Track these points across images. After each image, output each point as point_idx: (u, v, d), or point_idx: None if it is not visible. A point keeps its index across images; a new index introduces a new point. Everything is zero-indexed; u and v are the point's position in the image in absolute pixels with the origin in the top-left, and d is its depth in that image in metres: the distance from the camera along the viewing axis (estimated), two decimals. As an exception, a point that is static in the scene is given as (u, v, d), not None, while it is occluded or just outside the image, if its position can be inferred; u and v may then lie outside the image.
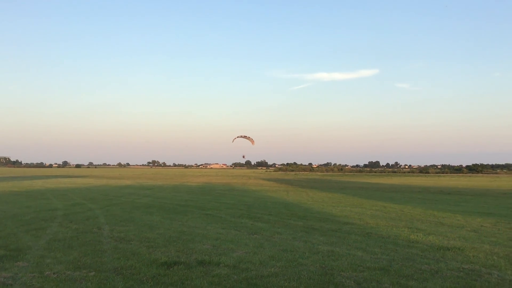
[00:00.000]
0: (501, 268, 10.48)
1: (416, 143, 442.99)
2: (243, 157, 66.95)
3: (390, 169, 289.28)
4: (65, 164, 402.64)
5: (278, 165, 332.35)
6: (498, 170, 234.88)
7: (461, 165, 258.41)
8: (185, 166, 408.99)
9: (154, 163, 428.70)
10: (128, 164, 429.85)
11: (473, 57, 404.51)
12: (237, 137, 48.92)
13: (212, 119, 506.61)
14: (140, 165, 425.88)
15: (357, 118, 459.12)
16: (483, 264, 10.92)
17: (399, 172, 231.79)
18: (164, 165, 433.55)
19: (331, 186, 65.03)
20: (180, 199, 33.64)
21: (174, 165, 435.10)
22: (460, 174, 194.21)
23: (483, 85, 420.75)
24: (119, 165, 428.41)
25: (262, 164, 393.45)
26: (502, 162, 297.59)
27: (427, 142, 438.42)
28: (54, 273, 9.74)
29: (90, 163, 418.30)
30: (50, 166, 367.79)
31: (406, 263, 10.87)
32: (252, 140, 48.92)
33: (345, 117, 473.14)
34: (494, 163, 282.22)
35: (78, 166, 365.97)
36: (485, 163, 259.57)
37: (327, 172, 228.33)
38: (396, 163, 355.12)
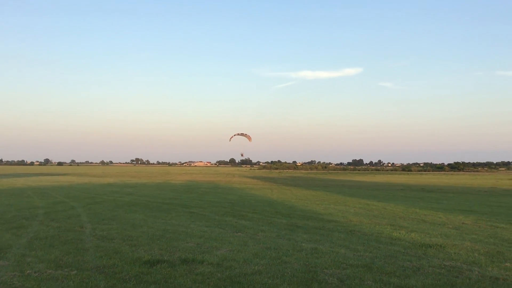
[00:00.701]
0: (482, 264, 10.64)
1: (399, 142, 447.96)
2: (242, 155, 63.92)
3: (373, 167, 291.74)
4: (46, 162, 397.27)
5: (263, 163, 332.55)
6: (479, 168, 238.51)
7: (443, 163, 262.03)
8: (169, 164, 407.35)
9: (137, 161, 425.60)
10: (111, 162, 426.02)
11: (456, 56, 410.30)
12: (235, 135, 48.12)
13: (196, 117, 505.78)
14: (123, 163, 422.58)
15: (341, 116, 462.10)
16: (464, 261, 11.07)
17: (382, 170, 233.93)
18: (148, 163, 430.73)
19: (315, 184, 65.31)
20: (163, 197, 33.48)
21: (158, 163, 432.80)
22: (442, 172, 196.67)
23: (465, 84, 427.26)
24: (102, 163, 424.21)
25: (246, 162, 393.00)
26: (483, 160, 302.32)
27: (409, 140, 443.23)
28: (35, 272, 9.62)
29: (73, 161, 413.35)
30: (32, 164, 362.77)
31: (389, 260, 10.97)
32: (249, 137, 48.08)
33: (329, 115, 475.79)
34: (475, 161, 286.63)
35: (60, 164, 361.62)
36: (467, 161, 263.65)
37: (311, 170, 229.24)
38: (380, 161, 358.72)
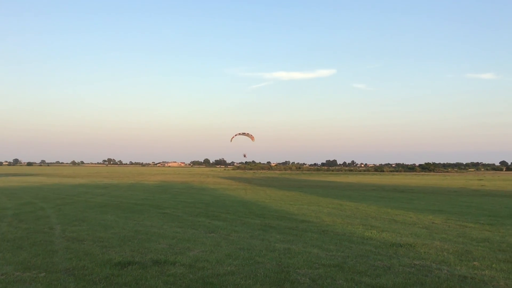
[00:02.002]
0: (451, 263, 10.84)
1: (372, 143, 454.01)
2: (244, 156, 60.71)
3: (347, 168, 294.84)
4: (16, 162, 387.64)
5: (237, 163, 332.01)
6: (449, 169, 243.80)
7: (414, 164, 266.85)
8: (142, 165, 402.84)
9: (109, 161, 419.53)
10: (82, 162, 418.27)
11: (427, 59, 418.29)
12: (236, 135, 46.76)
13: (170, 117, 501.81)
14: (95, 163, 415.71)
15: (315, 117, 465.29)
16: (434, 260, 11.26)
17: (356, 171, 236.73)
18: (120, 163, 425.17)
19: (289, 185, 65.62)
20: (136, 197, 33.11)
21: (131, 163, 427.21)
22: (413, 173, 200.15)
23: (436, 86, 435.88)
24: (73, 163, 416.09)
25: (220, 162, 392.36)
26: (452, 161, 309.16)
27: (382, 141, 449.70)
28: (2, 275, 9.38)
29: (43, 161, 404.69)
30: (0, 164, 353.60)
31: (360, 259, 11.08)
32: (252, 137, 47.11)
33: (303, 116, 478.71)
34: (445, 162, 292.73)
35: (29, 164, 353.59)
36: (437, 162, 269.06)
37: (285, 170, 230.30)
38: (353, 162, 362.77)
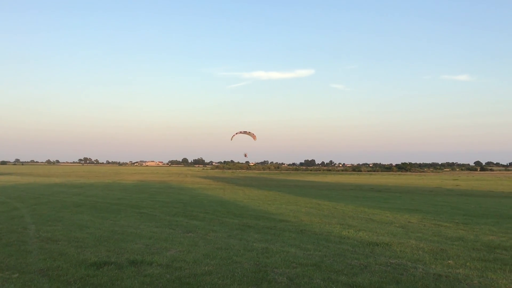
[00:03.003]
0: (426, 262, 10.99)
1: (350, 143, 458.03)
2: (245, 155, 56.09)
3: (325, 168, 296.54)
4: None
5: (215, 163, 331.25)
6: (425, 169, 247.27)
7: (391, 164, 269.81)
8: (119, 164, 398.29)
9: (86, 161, 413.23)
10: (57, 162, 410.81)
11: (404, 60, 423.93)
12: (237, 133, 44.97)
13: (147, 116, 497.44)
14: (71, 163, 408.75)
15: (294, 117, 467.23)
16: (409, 258, 11.40)
17: (334, 170, 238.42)
18: (97, 162, 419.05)
19: (268, 184, 65.74)
20: (112, 197, 32.72)
21: (108, 162, 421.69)
22: (390, 173, 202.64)
23: (413, 87, 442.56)
24: (48, 162, 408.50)
25: (199, 162, 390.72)
26: (428, 161, 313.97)
27: (360, 141, 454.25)
28: (-28, 277, 9.12)
29: (17, 160, 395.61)
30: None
31: (337, 258, 11.14)
32: (254, 136, 45.39)
33: (282, 116, 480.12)
34: (421, 162, 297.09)
35: (3, 163, 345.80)
36: (413, 162, 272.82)
37: (264, 170, 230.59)
38: (331, 162, 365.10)
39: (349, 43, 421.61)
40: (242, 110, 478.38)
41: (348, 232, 15.90)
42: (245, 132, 44.96)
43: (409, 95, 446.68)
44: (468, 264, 10.80)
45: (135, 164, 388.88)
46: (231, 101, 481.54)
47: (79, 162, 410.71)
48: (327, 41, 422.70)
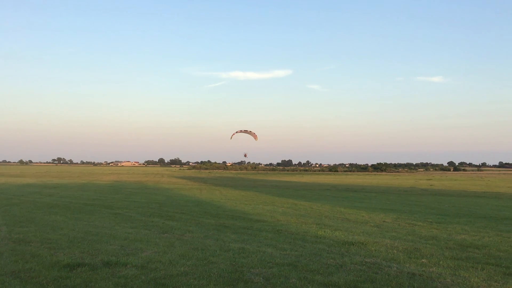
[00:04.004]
0: (400, 261, 11.13)
1: (327, 143, 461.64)
2: (245, 155, 53.46)
3: (302, 168, 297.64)
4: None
5: (192, 163, 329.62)
6: (400, 169, 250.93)
7: (367, 164, 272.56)
8: (94, 164, 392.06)
9: (59, 161, 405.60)
10: (30, 162, 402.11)
11: (378, 62, 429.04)
12: (237, 132, 43.32)
13: (123, 115, 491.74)
14: (44, 163, 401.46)
15: (271, 117, 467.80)
16: (384, 257, 11.53)
17: (310, 171, 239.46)
18: (71, 162, 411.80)
19: (245, 184, 65.70)
20: (87, 198, 32.25)
21: (82, 162, 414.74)
22: (366, 173, 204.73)
23: (387, 89, 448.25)
24: (21, 162, 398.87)
25: (176, 162, 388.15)
26: (403, 161, 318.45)
27: (336, 142, 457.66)
28: None
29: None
30: None
31: (313, 258, 11.20)
32: (255, 135, 43.93)
33: (259, 116, 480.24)
34: (396, 162, 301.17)
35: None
36: (389, 162, 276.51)
37: (241, 170, 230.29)
38: (308, 162, 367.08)
39: (326, 43, 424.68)
40: (219, 110, 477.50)
41: (324, 231, 16.00)
42: (245, 131, 43.55)
43: (383, 96, 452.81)
44: (441, 262, 10.98)
45: (110, 164, 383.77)
46: (208, 101, 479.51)
47: (52, 162, 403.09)
48: (305, 41, 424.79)
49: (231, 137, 43.39)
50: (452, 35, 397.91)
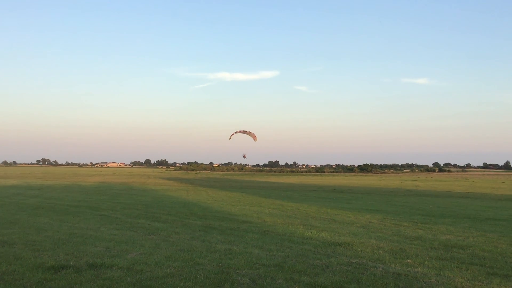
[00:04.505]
0: (386, 261, 11.20)
1: (313, 144, 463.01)
2: (244, 157, 51.31)
3: (288, 169, 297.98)
4: None
5: (179, 164, 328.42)
6: (385, 170, 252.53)
7: (353, 165, 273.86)
8: (79, 165, 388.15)
9: (44, 162, 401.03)
10: (14, 163, 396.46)
11: (364, 63, 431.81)
12: (236, 132, 42.24)
13: (109, 116, 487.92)
14: (29, 164, 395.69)
15: (258, 118, 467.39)
16: (370, 258, 11.60)
17: (297, 172, 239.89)
18: (56, 163, 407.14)
19: (231, 185, 65.65)
20: (72, 199, 31.92)
21: (67, 163, 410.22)
22: (352, 174, 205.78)
23: (374, 90, 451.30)
24: (5, 163, 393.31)
25: (162, 163, 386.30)
26: (389, 162, 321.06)
27: (323, 143, 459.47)
28: None
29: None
30: None
31: (300, 259, 11.21)
32: (254, 136, 42.79)
33: (246, 117, 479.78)
34: (382, 163, 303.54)
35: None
36: (375, 163, 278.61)
37: (227, 171, 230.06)
38: (295, 163, 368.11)
39: (313, 45, 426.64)
40: (206, 111, 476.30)
41: (311, 232, 16.04)
42: (244, 132, 42.57)
43: (371, 98, 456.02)
44: (426, 263, 11.07)
45: (96, 165, 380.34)
46: (195, 101, 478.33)
47: (37, 163, 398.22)
48: (292, 42, 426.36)
49: (230, 138, 42.62)
50: (437, 37, 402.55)
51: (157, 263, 10.56)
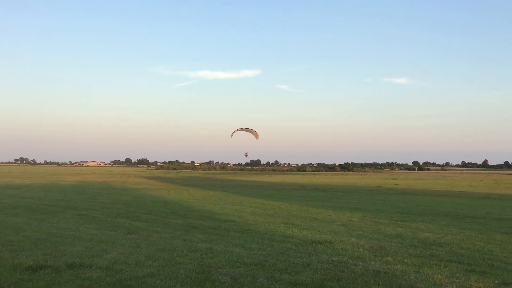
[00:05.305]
0: (366, 259, 11.30)
1: (295, 143, 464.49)
2: (246, 155, 48.36)
3: (270, 168, 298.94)
4: None
5: (160, 163, 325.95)
6: (366, 169, 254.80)
7: (334, 164, 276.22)
8: (58, 164, 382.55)
9: (22, 161, 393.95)
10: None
11: (346, 63, 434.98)
12: (237, 130, 41.13)
13: (88, 114, 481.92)
14: (6, 163, 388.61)
15: (239, 117, 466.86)
16: (350, 256, 11.69)
17: (279, 170, 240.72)
18: (34, 162, 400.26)
19: (213, 184, 65.50)
20: (50, 198, 31.48)
21: (46, 162, 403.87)
22: (334, 172, 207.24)
23: (355, 90, 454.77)
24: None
25: (143, 162, 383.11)
26: (370, 161, 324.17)
27: (305, 142, 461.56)
28: None
29: None
30: None
31: (281, 257, 11.24)
32: (256, 134, 41.46)
33: (227, 116, 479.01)
34: (363, 162, 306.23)
35: None
36: (356, 162, 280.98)
37: (209, 170, 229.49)
38: (276, 162, 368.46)
39: (294, 44, 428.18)
40: (187, 109, 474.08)
41: (292, 231, 16.09)
42: (246, 129, 41.60)
43: (353, 97, 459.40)
44: (405, 260, 11.20)
45: (75, 164, 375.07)
46: (176, 100, 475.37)
47: (14, 162, 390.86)
48: (273, 41, 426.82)
49: (232, 135, 41.86)
50: (417, 37, 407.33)
51: (137, 262, 10.46)
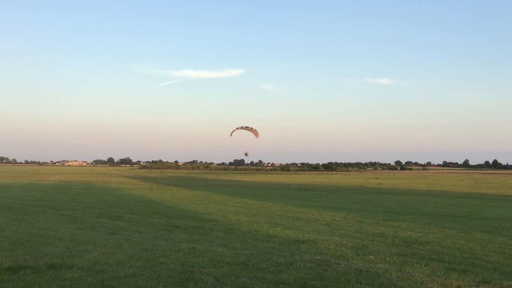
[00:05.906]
0: (348, 258, 11.37)
1: (279, 143, 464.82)
2: (246, 154, 46.92)
3: (254, 167, 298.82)
4: None
5: (143, 162, 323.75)
6: (349, 168, 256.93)
7: (318, 164, 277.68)
8: (39, 163, 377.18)
9: (2, 160, 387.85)
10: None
11: (331, 62, 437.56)
12: (237, 128, 40.35)
13: (70, 113, 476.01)
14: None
15: (223, 116, 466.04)
16: (333, 255, 11.74)
17: (263, 170, 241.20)
18: (14, 162, 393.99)
19: (197, 184, 65.34)
20: (31, 198, 31.07)
21: (26, 162, 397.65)
22: (317, 172, 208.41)
23: (338, 89, 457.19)
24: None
25: (126, 161, 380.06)
26: (353, 161, 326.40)
27: (289, 141, 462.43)
28: None
29: None
30: None
31: (264, 256, 11.24)
32: (256, 133, 40.59)
33: (212, 115, 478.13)
34: (346, 162, 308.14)
35: None
36: (339, 162, 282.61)
37: (193, 169, 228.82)
38: (260, 161, 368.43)
39: (278, 43, 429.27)
40: (171, 108, 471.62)
41: (275, 230, 16.11)
42: (246, 128, 41.14)
43: (336, 97, 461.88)
44: (387, 259, 11.30)
45: (57, 163, 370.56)
46: (159, 99, 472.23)
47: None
48: (257, 41, 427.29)
49: (231, 134, 41.35)
50: (399, 38, 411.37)
51: (119, 263, 10.36)
